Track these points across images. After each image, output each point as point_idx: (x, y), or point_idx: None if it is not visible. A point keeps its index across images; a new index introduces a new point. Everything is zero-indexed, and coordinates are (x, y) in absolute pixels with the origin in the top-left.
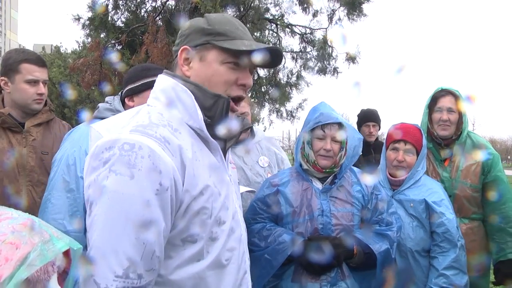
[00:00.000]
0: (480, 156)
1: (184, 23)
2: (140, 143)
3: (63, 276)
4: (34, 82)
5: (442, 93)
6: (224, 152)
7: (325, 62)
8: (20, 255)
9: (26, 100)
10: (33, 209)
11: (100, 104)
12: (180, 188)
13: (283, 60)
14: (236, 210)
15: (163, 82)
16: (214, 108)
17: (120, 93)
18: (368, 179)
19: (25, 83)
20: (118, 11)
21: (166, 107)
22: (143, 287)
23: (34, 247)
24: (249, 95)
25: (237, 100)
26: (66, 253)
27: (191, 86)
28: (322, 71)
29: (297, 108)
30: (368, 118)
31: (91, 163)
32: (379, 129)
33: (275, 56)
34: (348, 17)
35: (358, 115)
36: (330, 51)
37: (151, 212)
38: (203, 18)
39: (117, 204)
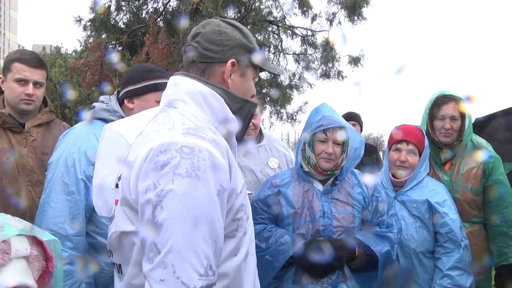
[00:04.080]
0: (480, 156)
1: (184, 24)
2: (199, 146)
3: (48, 276)
4: (23, 82)
5: (445, 99)
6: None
7: (329, 65)
8: None
9: (14, 99)
10: (32, 209)
11: (95, 104)
12: (229, 187)
13: (285, 59)
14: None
15: (188, 85)
16: (240, 111)
17: (116, 92)
18: (368, 179)
19: (14, 82)
20: (120, 12)
21: (192, 109)
22: (215, 283)
23: None
24: None
25: None
26: (45, 250)
27: (218, 90)
28: (326, 75)
29: (297, 111)
30: (348, 118)
31: (145, 166)
32: (361, 131)
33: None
34: (349, 19)
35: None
36: (333, 54)
37: (217, 212)
38: (237, 30)
39: (190, 206)
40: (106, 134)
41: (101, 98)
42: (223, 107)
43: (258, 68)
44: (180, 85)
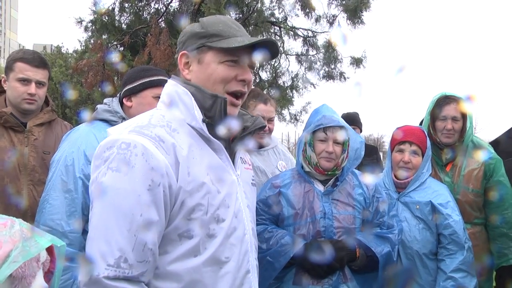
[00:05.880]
0: (481, 156)
1: (185, 24)
2: (135, 142)
3: (48, 276)
4: (25, 81)
5: (447, 100)
6: (231, 152)
7: (331, 66)
8: (2, 253)
9: (16, 98)
10: (34, 208)
11: (98, 106)
12: (174, 184)
13: (287, 60)
14: (240, 209)
15: (169, 86)
16: (213, 108)
17: (118, 94)
18: (369, 179)
19: (16, 81)
20: (123, 13)
21: (168, 109)
22: (135, 277)
23: (16, 244)
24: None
25: (239, 95)
26: (51, 252)
27: (191, 88)
28: (329, 76)
29: (300, 112)
30: (348, 122)
31: (94, 162)
32: (361, 132)
33: (270, 48)
34: (349, 22)
35: None
36: (335, 55)
37: (142, 206)
38: (197, 23)
39: (111, 198)
40: None
41: (105, 100)
42: (193, 105)
43: (235, 49)
44: (165, 88)
